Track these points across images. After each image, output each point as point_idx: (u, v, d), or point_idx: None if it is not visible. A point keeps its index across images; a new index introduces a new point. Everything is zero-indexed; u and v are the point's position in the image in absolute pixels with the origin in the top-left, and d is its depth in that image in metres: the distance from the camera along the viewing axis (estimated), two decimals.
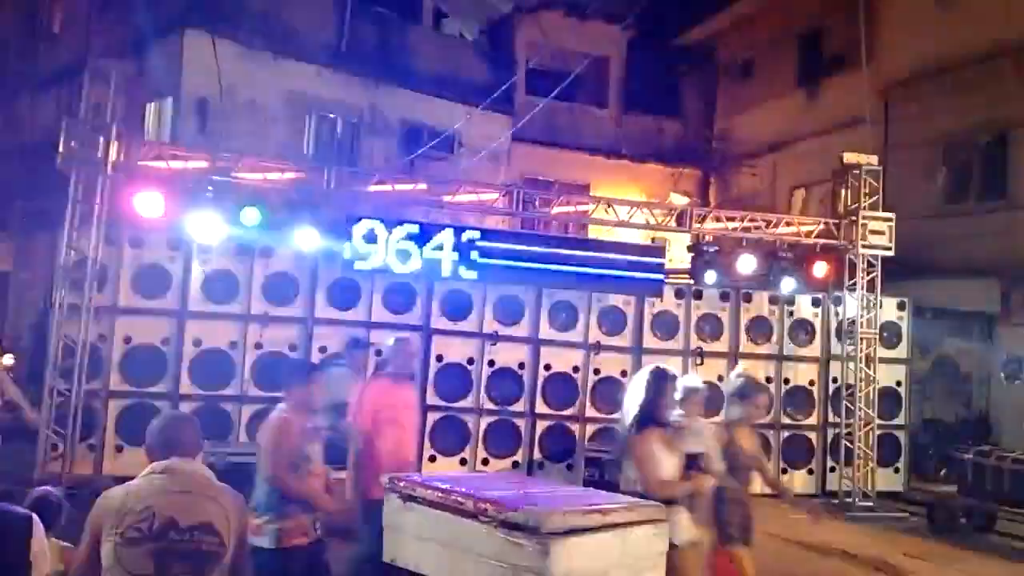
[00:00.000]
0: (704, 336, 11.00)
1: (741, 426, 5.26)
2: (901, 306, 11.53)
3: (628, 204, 10.90)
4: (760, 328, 11.21)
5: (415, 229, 9.70)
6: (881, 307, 10.97)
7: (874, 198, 10.76)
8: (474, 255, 9.76)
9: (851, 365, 10.76)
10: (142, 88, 12.44)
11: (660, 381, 4.61)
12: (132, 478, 3.09)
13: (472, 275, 9.81)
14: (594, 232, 12.94)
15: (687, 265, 11.16)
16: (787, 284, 10.73)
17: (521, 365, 10.47)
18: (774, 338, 11.22)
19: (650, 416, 4.52)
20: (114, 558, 2.87)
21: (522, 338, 10.50)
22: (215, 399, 9.44)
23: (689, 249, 11.07)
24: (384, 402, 5.70)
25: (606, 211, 10.61)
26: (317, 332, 9.84)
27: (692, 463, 4.55)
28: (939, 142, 13.17)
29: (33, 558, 2.63)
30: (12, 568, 2.57)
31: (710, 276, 10.59)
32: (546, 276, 10.21)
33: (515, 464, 10.33)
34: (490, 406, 10.33)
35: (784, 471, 11.04)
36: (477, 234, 9.89)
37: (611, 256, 10.43)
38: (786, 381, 11.22)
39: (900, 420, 11.39)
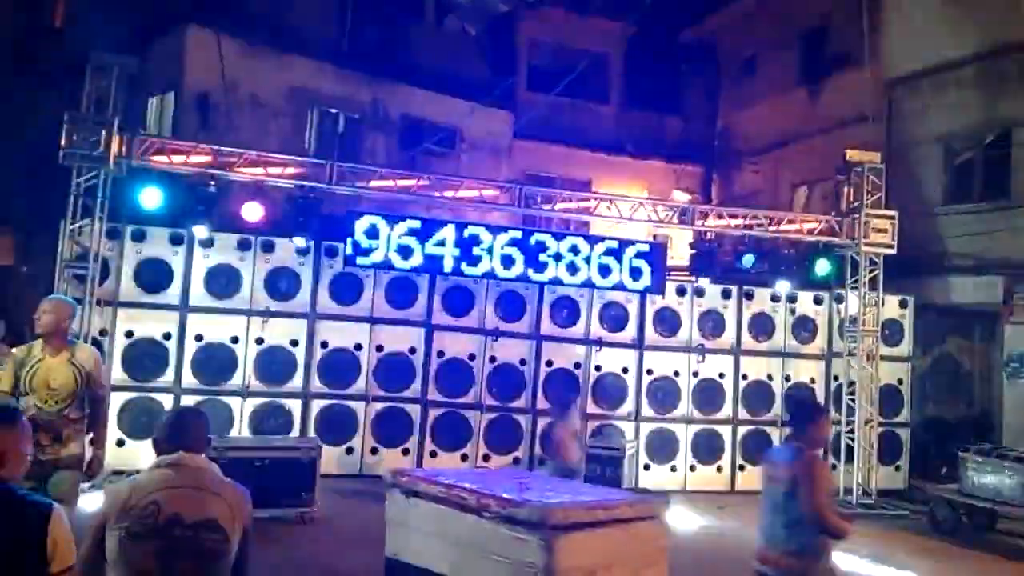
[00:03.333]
0: (706, 333, 11.01)
1: None
2: (903, 304, 11.54)
3: (630, 201, 10.89)
4: (762, 325, 11.22)
5: (417, 225, 9.72)
6: (883, 305, 10.97)
7: (877, 196, 10.77)
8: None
9: (853, 363, 10.77)
10: (144, 83, 12.43)
11: None
12: (132, 472, 3.07)
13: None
14: (596, 229, 12.93)
15: (689, 262, 11.15)
16: (787, 282, 10.74)
17: (523, 361, 10.49)
18: (776, 335, 11.23)
19: None
20: (119, 552, 2.86)
21: (524, 334, 10.52)
22: (217, 393, 9.47)
23: (691, 246, 11.06)
24: None
25: (608, 208, 10.61)
26: (319, 327, 9.88)
27: None
28: (942, 140, 13.14)
29: (53, 547, 2.63)
30: (28, 557, 2.57)
31: (710, 272, 10.61)
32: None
33: (516, 460, 10.36)
34: (491, 402, 10.35)
35: None
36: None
37: None
38: (787, 378, 11.23)
39: (901, 418, 11.41)
